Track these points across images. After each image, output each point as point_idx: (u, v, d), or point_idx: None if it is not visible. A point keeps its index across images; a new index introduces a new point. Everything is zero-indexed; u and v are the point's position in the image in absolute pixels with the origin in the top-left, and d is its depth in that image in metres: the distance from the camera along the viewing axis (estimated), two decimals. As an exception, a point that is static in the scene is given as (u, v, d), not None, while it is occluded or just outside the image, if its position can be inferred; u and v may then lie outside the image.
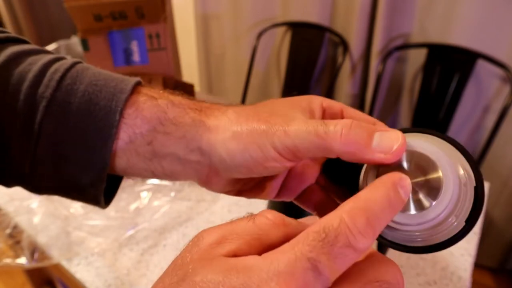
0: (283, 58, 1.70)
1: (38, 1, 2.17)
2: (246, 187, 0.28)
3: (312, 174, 0.28)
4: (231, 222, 0.18)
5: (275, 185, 0.28)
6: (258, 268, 0.15)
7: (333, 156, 0.21)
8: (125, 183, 0.75)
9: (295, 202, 0.29)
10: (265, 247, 0.17)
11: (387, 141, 0.20)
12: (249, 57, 1.66)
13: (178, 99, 0.26)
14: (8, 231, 0.69)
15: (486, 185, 0.80)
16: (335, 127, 0.21)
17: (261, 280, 0.15)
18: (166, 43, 0.86)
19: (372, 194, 0.17)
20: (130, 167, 0.25)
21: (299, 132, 0.22)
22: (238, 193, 0.28)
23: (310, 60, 1.56)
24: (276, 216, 0.18)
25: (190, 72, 1.97)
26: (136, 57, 0.87)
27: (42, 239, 0.67)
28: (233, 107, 0.25)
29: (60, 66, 0.25)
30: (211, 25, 1.81)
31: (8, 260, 0.64)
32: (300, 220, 0.19)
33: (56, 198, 0.73)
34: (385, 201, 0.17)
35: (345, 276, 0.16)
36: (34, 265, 0.64)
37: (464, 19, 1.24)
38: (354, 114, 0.26)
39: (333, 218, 0.16)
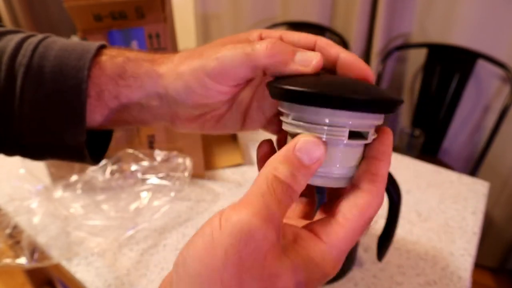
0: (283, 58, 1.70)
1: (38, 1, 2.17)
2: (209, 124, 0.30)
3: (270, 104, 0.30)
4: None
5: (234, 119, 0.31)
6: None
7: (260, 72, 0.24)
8: (125, 183, 0.75)
9: (263, 130, 0.32)
10: None
11: (308, 57, 0.24)
12: (249, 57, 1.66)
13: (134, 54, 0.29)
14: (8, 231, 0.69)
15: (486, 185, 0.79)
16: (261, 45, 0.24)
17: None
18: (166, 43, 0.86)
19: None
20: (106, 120, 0.29)
21: (228, 55, 0.25)
22: (205, 130, 0.31)
23: (310, 60, 1.56)
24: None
25: (190, 72, 1.97)
26: (136, 57, 0.87)
27: (42, 239, 0.67)
28: (180, 52, 0.29)
29: (35, 38, 0.29)
30: (211, 25, 1.81)
31: (8, 260, 0.64)
32: None
33: (56, 198, 0.73)
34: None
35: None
36: (34, 265, 0.64)
37: (464, 19, 1.24)
38: (293, 37, 0.27)
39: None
